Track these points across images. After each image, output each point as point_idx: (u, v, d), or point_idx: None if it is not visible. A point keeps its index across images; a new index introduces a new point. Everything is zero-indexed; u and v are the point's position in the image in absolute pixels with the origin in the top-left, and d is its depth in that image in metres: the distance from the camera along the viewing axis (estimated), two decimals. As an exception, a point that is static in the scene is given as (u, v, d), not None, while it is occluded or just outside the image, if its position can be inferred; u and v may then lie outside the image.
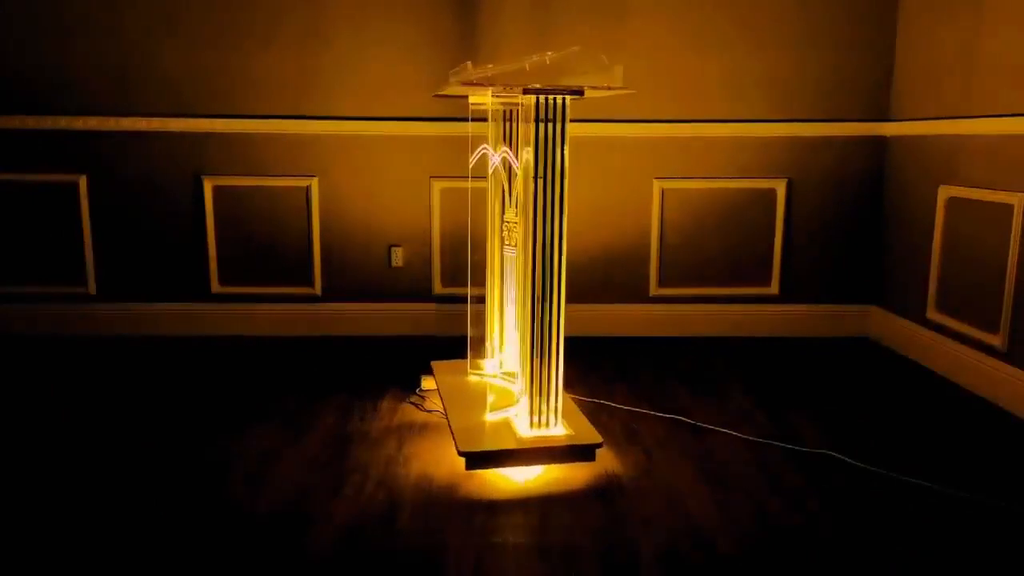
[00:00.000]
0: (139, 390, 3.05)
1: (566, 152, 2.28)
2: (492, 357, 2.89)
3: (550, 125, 2.28)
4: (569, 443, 2.32)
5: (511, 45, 3.62)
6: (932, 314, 3.43)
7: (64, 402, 2.90)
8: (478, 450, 2.27)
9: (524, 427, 2.37)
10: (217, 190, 3.74)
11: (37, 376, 3.22)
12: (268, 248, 3.81)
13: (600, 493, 2.20)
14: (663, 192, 3.79)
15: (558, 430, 2.37)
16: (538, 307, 2.33)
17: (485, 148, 2.71)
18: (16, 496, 2.18)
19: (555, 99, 2.28)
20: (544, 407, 2.36)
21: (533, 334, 2.33)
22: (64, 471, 2.33)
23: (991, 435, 2.69)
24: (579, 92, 2.27)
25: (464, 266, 2.63)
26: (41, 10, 3.59)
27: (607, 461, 2.41)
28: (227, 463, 2.39)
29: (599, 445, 2.34)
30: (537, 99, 2.25)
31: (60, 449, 2.48)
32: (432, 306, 3.81)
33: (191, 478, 2.29)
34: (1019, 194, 2.88)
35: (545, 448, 2.32)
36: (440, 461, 2.40)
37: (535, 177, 2.28)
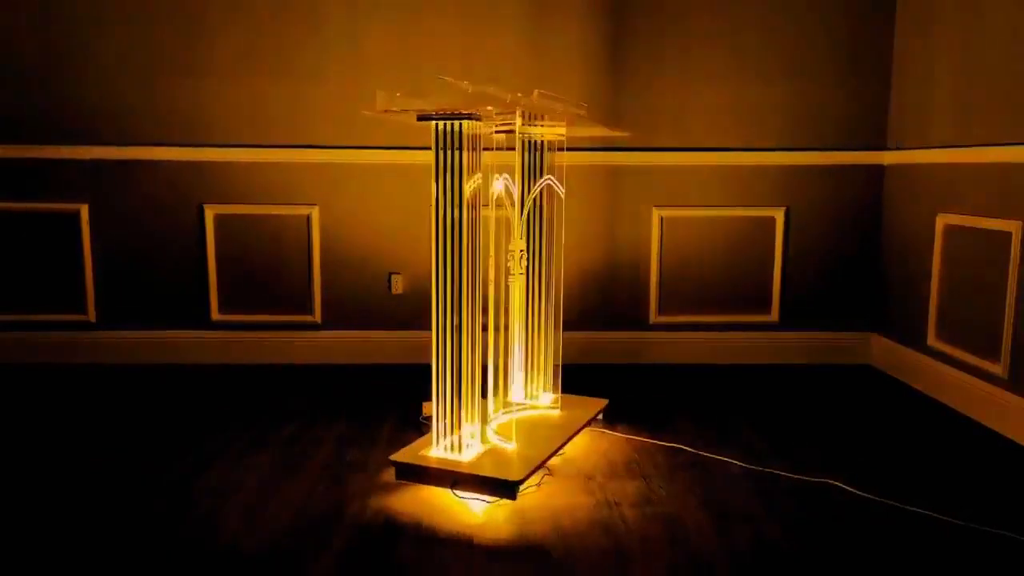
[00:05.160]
0: (137, 418, 3.04)
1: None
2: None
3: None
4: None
5: (511, 72, 3.66)
6: (933, 341, 3.42)
7: (60, 430, 2.90)
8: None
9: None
10: (218, 218, 3.76)
11: (35, 404, 3.22)
12: (268, 276, 3.82)
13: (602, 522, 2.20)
14: (662, 220, 3.81)
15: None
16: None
17: (505, 177, 2.70)
18: (7, 523, 2.17)
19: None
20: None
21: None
22: (59, 499, 2.32)
23: (993, 463, 2.68)
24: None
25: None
26: (44, 42, 3.64)
27: (608, 489, 2.40)
28: (225, 491, 2.37)
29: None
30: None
31: (55, 477, 2.47)
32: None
33: (188, 507, 2.28)
34: (1017, 221, 2.89)
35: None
36: (441, 491, 2.38)
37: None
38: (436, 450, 2.39)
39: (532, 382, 2.91)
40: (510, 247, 2.72)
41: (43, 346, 3.78)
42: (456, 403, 2.34)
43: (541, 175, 2.78)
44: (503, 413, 2.73)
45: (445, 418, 2.36)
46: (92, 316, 3.80)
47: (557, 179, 2.81)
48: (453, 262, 2.30)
